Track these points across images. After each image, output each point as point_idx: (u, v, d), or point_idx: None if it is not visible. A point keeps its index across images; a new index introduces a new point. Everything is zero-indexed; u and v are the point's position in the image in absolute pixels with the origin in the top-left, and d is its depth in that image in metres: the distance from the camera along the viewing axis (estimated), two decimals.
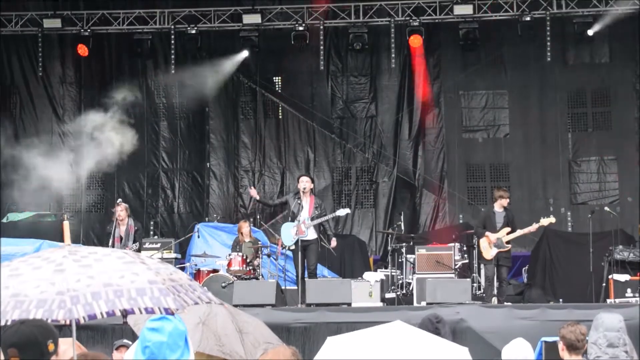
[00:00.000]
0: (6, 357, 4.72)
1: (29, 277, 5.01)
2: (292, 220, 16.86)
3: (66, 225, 5.81)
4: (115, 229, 17.68)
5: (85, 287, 4.93)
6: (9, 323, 4.90)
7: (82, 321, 5.02)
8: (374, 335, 6.53)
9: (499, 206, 17.14)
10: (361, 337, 6.54)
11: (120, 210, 17.71)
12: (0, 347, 4.77)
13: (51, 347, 4.70)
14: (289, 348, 5.81)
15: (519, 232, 17.03)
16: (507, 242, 16.91)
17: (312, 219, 16.70)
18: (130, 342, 9.22)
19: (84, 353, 5.61)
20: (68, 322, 5.04)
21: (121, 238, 17.52)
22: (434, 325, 7.57)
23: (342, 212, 17.48)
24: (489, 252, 16.91)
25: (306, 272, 16.77)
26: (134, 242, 17.45)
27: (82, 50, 21.93)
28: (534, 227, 17.17)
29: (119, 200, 18.43)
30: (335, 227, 19.74)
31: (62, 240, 20.40)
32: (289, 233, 16.86)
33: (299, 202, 16.93)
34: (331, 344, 6.64)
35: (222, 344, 7.30)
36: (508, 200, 17.24)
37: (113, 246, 17.22)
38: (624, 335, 7.25)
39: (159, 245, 18.85)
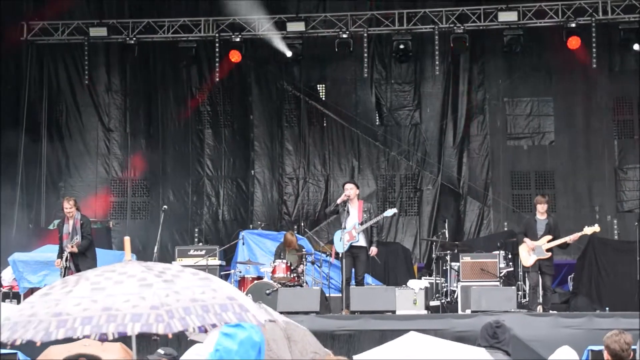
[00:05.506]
0: None
1: (113, 291, 4.92)
2: (343, 228, 16.76)
3: (127, 240, 5.76)
4: (64, 225, 16.61)
5: (176, 302, 4.88)
6: (107, 336, 4.83)
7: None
8: (396, 349, 6.48)
9: (539, 213, 16.94)
10: (384, 353, 6.48)
11: (69, 205, 16.59)
12: None
13: None
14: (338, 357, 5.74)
15: (559, 240, 16.78)
16: (548, 250, 16.68)
17: (362, 223, 16.64)
18: (175, 352, 9.24)
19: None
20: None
21: (69, 234, 16.44)
22: (492, 330, 7.49)
23: (389, 212, 17.27)
24: (528, 260, 16.70)
25: (354, 282, 16.65)
26: (82, 236, 16.33)
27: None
28: (576, 235, 16.88)
29: (67, 197, 17.44)
30: (379, 234, 19.72)
31: (108, 247, 20.63)
32: (340, 240, 16.76)
33: (345, 209, 16.85)
34: None
35: (270, 349, 7.27)
36: (545, 205, 16.84)
37: (62, 242, 16.51)
38: None
39: (203, 252, 18.91)
